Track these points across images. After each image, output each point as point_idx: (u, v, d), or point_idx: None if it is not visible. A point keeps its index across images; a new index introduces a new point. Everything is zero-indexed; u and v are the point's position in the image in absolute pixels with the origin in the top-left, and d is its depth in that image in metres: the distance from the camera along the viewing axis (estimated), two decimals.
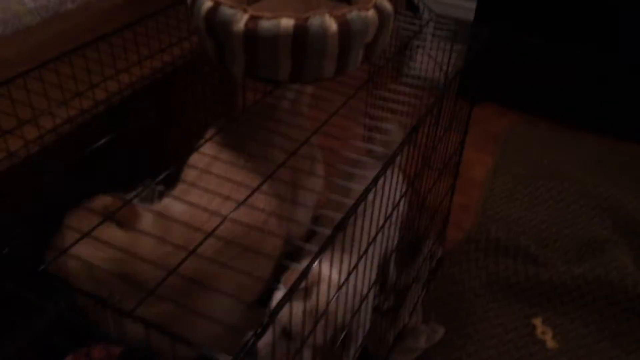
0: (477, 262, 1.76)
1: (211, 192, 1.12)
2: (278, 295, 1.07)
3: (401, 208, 1.46)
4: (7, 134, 1.05)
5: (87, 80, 1.18)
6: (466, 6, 2.91)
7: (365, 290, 1.18)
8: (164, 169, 0.96)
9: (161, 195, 1.19)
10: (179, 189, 1.18)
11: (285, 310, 0.79)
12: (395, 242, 1.45)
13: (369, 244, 1.03)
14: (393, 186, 1.23)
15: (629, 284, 1.59)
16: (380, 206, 1.02)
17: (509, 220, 1.94)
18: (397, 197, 1.24)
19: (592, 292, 1.63)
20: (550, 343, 1.55)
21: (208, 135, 1.26)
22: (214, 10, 1.06)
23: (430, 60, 1.73)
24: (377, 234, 1.04)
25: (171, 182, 1.20)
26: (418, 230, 1.61)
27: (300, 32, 1.03)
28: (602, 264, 1.66)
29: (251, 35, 1.03)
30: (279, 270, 1.13)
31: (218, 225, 0.89)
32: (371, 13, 1.08)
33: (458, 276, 1.73)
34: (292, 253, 1.26)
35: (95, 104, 1.19)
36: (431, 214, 1.60)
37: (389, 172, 0.97)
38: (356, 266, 0.98)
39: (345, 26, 1.05)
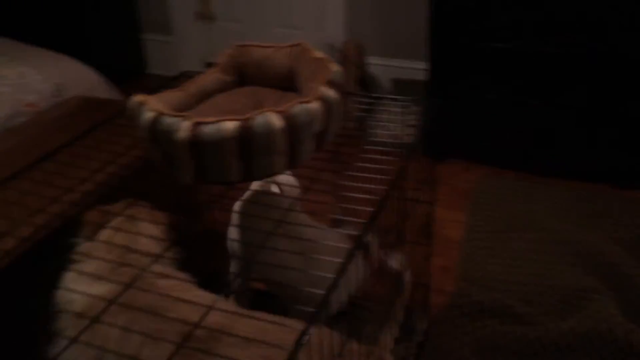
0: (464, 328, 1.71)
1: None
2: None
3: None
4: None
5: (36, 204, 1.14)
6: (420, 67, 2.98)
7: None
8: None
9: None
10: None
11: None
12: None
13: None
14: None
15: (619, 334, 1.55)
16: None
17: (490, 279, 1.90)
18: None
19: (584, 346, 1.58)
20: None
21: None
22: (155, 120, 1.05)
23: (389, 130, 1.73)
24: None
25: None
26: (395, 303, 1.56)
27: (246, 133, 1.01)
28: (589, 316, 1.63)
29: (195, 142, 1.01)
30: None
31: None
32: (315, 104, 1.07)
33: (447, 346, 1.67)
34: None
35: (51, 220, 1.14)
36: (412, 286, 1.56)
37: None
38: None
39: (290, 120, 1.04)
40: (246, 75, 1.40)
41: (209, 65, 1.40)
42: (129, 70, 3.65)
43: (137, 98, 1.11)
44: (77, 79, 2.27)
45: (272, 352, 0.99)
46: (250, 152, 1.03)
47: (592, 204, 2.24)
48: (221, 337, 1.01)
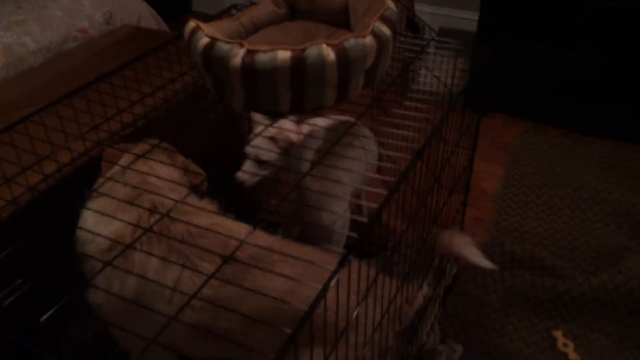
0: (493, 276, 1.74)
1: None
2: None
3: None
4: (10, 182, 1.06)
5: (89, 122, 1.18)
6: (468, 17, 2.91)
7: None
8: None
9: None
10: None
11: None
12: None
13: None
14: None
15: None
16: None
17: (523, 232, 1.92)
18: None
19: (613, 301, 1.60)
20: (572, 355, 1.52)
21: None
22: (210, 46, 1.07)
23: (434, 78, 1.72)
24: None
25: None
26: (432, 248, 1.59)
27: (298, 64, 1.03)
28: (620, 272, 1.63)
29: (249, 69, 1.04)
30: None
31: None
32: (369, 39, 1.08)
33: (474, 292, 1.70)
34: None
35: (98, 143, 1.19)
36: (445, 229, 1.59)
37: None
38: None
39: (343, 54, 1.05)
40: (298, 9, 1.40)
41: None
42: (175, 7, 3.66)
43: (193, 23, 1.13)
44: (128, 8, 2.30)
45: (312, 271, 1.02)
46: (302, 83, 1.05)
47: (635, 165, 2.21)
48: (265, 256, 1.04)
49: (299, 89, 1.06)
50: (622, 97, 2.30)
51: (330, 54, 1.04)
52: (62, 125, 1.12)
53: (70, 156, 1.19)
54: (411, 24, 2.85)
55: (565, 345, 1.55)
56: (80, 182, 1.09)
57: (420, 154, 1.08)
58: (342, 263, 0.79)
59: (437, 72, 1.74)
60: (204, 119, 1.60)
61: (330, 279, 0.73)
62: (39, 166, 1.09)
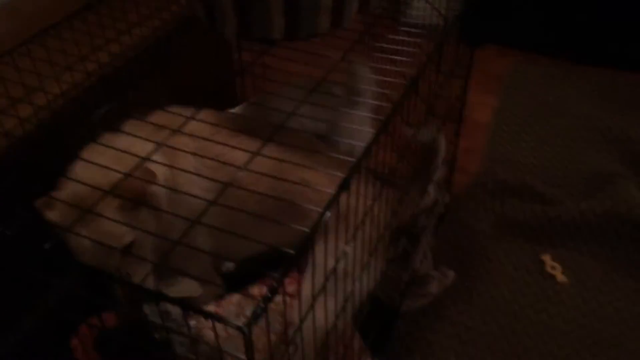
0: (485, 204, 1.77)
1: None
2: None
3: None
4: (1, 114, 1.05)
5: (76, 52, 1.16)
6: None
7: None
8: None
9: None
10: None
11: None
12: None
13: None
14: None
15: (638, 215, 1.60)
16: None
17: (516, 161, 1.94)
18: None
19: (601, 225, 1.64)
20: (560, 278, 1.57)
21: None
22: None
23: (427, 5, 1.68)
24: None
25: None
26: (425, 178, 1.61)
27: None
28: (610, 197, 1.67)
29: None
30: None
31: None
32: None
33: (466, 220, 1.74)
34: None
35: (88, 76, 1.18)
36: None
37: None
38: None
39: None
40: None
41: None
42: None
43: None
44: None
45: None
46: (296, 7, 1.03)
47: (627, 93, 2.21)
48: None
49: (292, 13, 1.04)
50: (616, 25, 2.27)
51: None
52: (49, 57, 1.10)
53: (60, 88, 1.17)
54: None
55: (553, 268, 1.60)
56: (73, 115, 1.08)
57: (415, 83, 1.07)
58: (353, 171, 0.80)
59: (428, 2, 1.70)
60: (194, 51, 1.57)
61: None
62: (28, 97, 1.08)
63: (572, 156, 1.94)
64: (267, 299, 0.62)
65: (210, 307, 1.15)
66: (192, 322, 1.08)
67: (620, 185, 1.72)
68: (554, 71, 2.36)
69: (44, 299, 1.12)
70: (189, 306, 0.63)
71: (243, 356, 0.62)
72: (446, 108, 1.50)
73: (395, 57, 1.35)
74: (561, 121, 2.08)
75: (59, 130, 1.11)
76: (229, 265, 1.34)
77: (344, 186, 0.79)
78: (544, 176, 1.87)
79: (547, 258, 1.62)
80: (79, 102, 1.18)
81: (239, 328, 0.60)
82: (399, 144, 1.13)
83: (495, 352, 1.41)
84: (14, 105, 1.08)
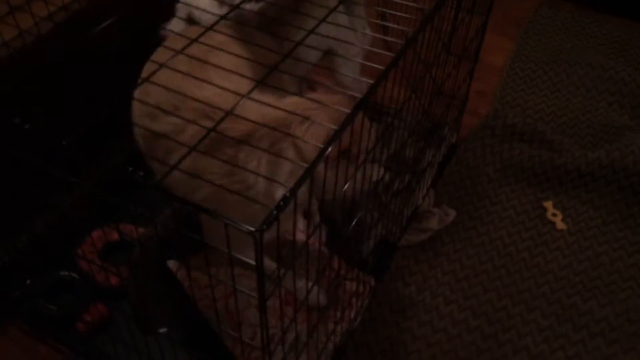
0: (492, 147, 1.77)
1: None
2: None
3: None
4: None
5: None
6: None
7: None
8: None
9: None
10: None
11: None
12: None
13: None
14: None
15: None
16: None
17: (527, 107, 1.92)
18: None
19: (605, 176, 1.64)
20: (560, 225, 1.59)
21: None
22: None
23: None
24: None
25: None
26: (434, 116, 1.60)
27: None
28: (618, 149, 1.66)
29: None
30: None
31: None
32: None
33: (472, 161, 1.74)
34: None
35: None
36: (448, 99, 1.59)
37: None
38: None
39: None
40: None
41: None
42: None
43: None
44: None
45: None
46: None
47: None
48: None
49: None
50: None
51: None
52: None
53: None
54: None
55: (554, 215, 1.61)
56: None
57: (431, 18, 1.04)
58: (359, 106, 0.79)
59: None
60: None
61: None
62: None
63: (584, 106, 1.92)
64: (280, 208, 0.63)
65: None
66: None
67: (629, 138, 1.71)
68: (574, 18, 2.31)
69: (58, 200, 1.13)
70: (205, 209, 0.63)
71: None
72: (462, 47, 1.47)
73: None
74: (577, 70, 2.04)
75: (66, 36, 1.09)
76: None
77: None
78: (554, 123, 1.86)
79: (549, 205, 1.63)
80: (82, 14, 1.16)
81: (250, 233, 0.61)
82: (410, 79, 1.12)
83: (488, 291, 1.44)
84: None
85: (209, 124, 0.90)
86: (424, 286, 1.44)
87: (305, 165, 0.82)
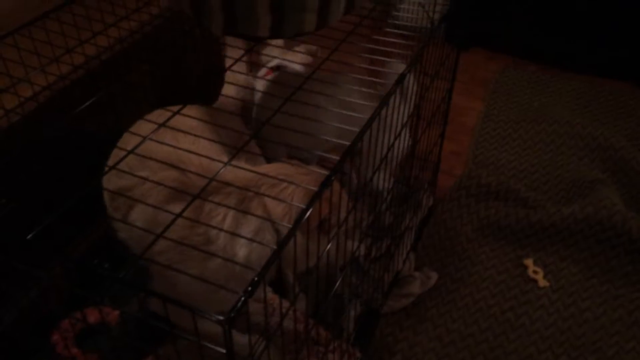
0: (469, 207, 1.78)
1: None
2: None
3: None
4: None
5: (63, 45, 1.15)
6: None
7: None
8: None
9: None
10: None
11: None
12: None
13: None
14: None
15: (618, 221, 1.62)
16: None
17: (500, 165, 1.95)
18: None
19: (582, 231, 1.65)
20: (542, 282, 1.58)
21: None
22: None
23: (416, 7, 1.69)
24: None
25: None
26: (409, 180, 1.62)
27: None
28: (591, 203, 1.68)
29: None
30: None
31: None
32: None
33: (450, 223, 1.75)
34: None
35: (75, 69, 1.17)
36: (422, 162, 1.61)
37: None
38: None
39: None
40: None
41: None
42: None
43: None
44: None
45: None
46: (282, 5, 1.03)
47: (611, 101, 2.24)
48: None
49: (279, 11, 1.04)
50: (602, 33, 2.30)
51: None
52: (35, 48, 1.09)
53: (46, 80, 1.17)
54: None
55: (535, 272, 1.61)
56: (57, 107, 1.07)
57: (401, 82, 1.08)
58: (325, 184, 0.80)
59: (415, 6, 1.71)
60: (181, 45, 1.56)
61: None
62: (14, 89, 1.07)
63: (555, 162, 1.96)
64: (248, 294, 0.62)
65: None
66: None
67: (601, 192, 1.74)
68: (540, 77, 2.39)
69: (25, 292, 1.11)
70: (171, 300, 0.62)
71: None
72: (432, 110, 1.50)
73: (381, 58, 1.35)
74: (545, 127, 2.10)
75: (41, 122, 1.10)
76: None
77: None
78: (528, 180, 1.89)
79: (529, 262, 1.63)
80: (66, 94, 1.17)
81: (218, 322, 0.60)
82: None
83: (476, 355, 1.41)
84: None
85: (175, 173, 0.91)
86: (410, 354, 1.41)
87: (274, 222, 0.82)
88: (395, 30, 1.41)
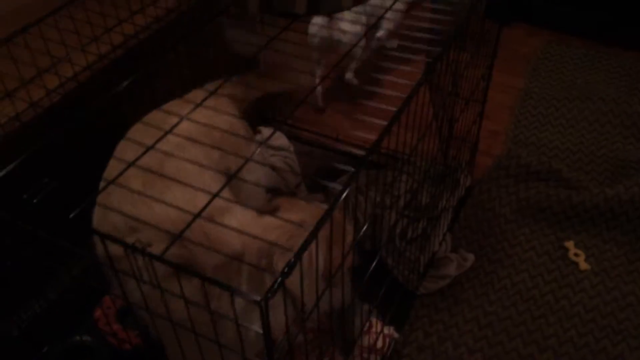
0: (508, 188, 1.75)
1: None
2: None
3: None
4: (29, 84, 1.06)
5: (102, 24, 1.16)
6: None
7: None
8: None
9: None
10: None
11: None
12: None
13: None
14: None
15: None
16: None
17: (540, 145, 1.90)
18: None
19: (626, 212, 1.60)
20: (583, 265, 1.55)
21: None
22: None
23: None
24: None
25: None
26: (447, 159, 1.59)
27: None
28: (637, 184, 1.63)
29: None
30: None
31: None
32: None
33: (488, 203, 1.71)
34: None
35: (113, 48, 1.18)
36: (460, 142, 1.58)
37: None
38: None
39: None
40: None
41: None
42: None
43: None
44: None
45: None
46: None
47: None
48: None
49: None
50: None
51: None
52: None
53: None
54: None
55: (576, 255, 1.57)
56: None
57: (439, 59, 1.05)
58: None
59: None
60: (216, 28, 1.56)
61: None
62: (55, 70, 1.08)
63: (598, 141, 1.90)
64: (284, 274, 0.62)
65: None
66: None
67: None
68: (584, 53, 2.30)
69: (68, 269, 1.13)
70: (210, 279, 0.62)
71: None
72: (470, 89, 1.47)
73: (419, 35, 1.32)
74: (589, 105, 2.03)
75: (83, 101, 1.11)
76: None
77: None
78: (570, 160, 1.84)
79: (570, 245, 1.59)
80: (104, 73, 1.18)
81: (255, 302, 0.59)
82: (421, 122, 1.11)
83: (513, 338, 1.39)
84: (41, 76, 1.08)
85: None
86: (446, 335, 1.40)
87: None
88: (435, 6, 1.37)
